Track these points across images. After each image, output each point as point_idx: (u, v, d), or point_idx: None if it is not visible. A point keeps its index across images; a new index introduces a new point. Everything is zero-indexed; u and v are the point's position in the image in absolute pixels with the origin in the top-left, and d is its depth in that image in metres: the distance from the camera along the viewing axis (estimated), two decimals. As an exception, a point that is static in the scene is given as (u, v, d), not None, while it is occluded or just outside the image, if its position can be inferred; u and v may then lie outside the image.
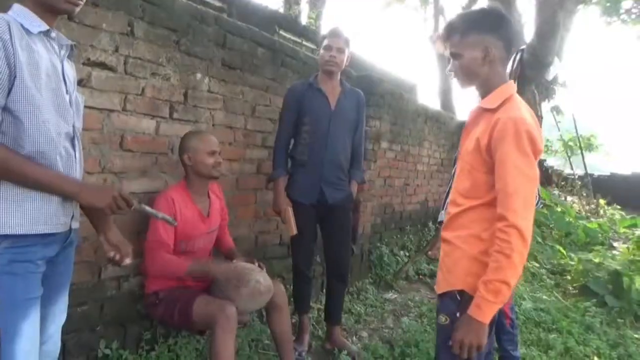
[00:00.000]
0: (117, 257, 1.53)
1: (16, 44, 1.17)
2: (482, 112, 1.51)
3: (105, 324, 2.20)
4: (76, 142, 1.38)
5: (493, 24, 1.47)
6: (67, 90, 1.34)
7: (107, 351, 2.14)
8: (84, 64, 1.98)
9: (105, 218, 1.53)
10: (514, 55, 3.82)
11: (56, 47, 1.34)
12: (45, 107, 1.24)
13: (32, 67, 1.21)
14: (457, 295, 1.48)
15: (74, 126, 1.36)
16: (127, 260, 1.55)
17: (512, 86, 1.49)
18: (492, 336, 1.59)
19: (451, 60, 1.55)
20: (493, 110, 1.45)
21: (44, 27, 1.28)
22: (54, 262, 1.37)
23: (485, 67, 1.47)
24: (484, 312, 1.35)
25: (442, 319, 1.51)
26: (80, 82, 1.97)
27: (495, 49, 1.46)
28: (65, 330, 1.97)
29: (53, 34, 1.33)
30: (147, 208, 1.52)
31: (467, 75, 1.52)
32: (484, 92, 1.52)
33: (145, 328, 2.34)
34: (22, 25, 1.23)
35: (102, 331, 2.17)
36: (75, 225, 1.41)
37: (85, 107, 2.01)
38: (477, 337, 1.37)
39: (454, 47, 1.52)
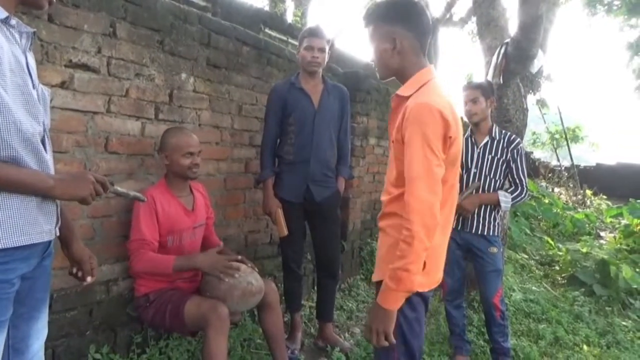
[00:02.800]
0: (80, 274, 1.43)
1: None
2: (400, 100, 1.50)
3: (95, 328, 2.18)
4: (47, 142, 1.22)
5: (401, 15, 1.46)
6: (33, 85, 1.16)
7: (98, 356, 2.12)
8: (65, 65, 1.95)
9: (70, 229, 1.41)
10: (499, 49, 3.85)
11: (17, 36, 1.15)
12: (14, 107, 1.06)
13: None
14: None
15: (43, 124, 1.19)
16: (89, 279, 1.44)
17: (429, 72, 1.48)
18: (422, 334, 1.58)
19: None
20: (407, 98, 1.45)
21: (3, 13, 1.08)
22: (32, 278, 1.23)
23: (395, 57, 1.48)
24: (387, 299, 1.39)
25: None
26: (63, 85, 1.95)
27: (405, 39, 1.46)
28: (55, 336, 1.96)
29: (13, 21, 1.12)
30: (118, 188, 1.42)
31: (381, 66, 1.53)
32: (402, 81, 1.52)
33: (135, 331, 2.32)
34: None
35: (91, 336, 2.15)
36: (57, 232, 1.27)
37: (69, 109, 2.00)
38: (384, 324, 1.40)
39: (368, 38, 1.53)
